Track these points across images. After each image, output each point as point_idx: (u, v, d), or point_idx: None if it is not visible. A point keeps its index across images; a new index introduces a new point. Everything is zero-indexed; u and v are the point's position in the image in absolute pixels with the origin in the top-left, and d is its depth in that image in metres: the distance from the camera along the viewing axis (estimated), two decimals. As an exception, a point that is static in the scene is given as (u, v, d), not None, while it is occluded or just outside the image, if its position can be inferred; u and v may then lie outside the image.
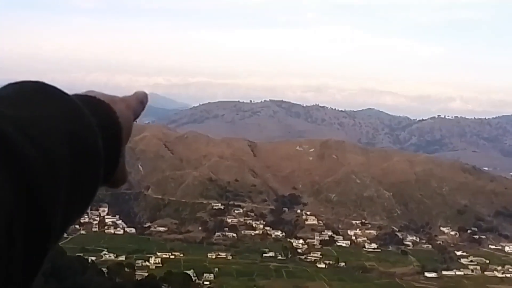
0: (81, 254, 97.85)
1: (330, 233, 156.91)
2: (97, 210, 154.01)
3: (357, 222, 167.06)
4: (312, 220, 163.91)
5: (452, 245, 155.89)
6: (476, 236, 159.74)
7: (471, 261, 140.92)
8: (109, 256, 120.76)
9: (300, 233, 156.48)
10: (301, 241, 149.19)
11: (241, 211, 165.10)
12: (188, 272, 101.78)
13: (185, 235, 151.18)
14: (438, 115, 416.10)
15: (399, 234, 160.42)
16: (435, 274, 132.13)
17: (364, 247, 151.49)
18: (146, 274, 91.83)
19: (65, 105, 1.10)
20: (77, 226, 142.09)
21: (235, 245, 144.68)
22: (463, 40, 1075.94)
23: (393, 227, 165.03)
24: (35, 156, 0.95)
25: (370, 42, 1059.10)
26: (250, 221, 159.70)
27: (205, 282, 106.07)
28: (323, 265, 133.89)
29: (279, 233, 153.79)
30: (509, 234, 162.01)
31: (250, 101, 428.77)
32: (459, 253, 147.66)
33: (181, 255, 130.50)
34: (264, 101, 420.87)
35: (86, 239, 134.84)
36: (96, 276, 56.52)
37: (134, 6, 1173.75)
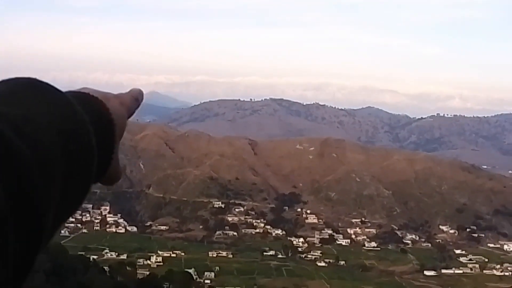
0: (83, 253, 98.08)
1: (330, 231, 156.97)
2: (99, 208, 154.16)
3: (357, 220, 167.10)
4: (312, 219, 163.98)
5: (451, 243, 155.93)
6: (475, 235, 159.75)
7: (470, 259, 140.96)
8: (111, 255, 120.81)
9: (300, 231, 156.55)
10: (301, 239, 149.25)
11: (242, 209, 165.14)
12: (189, 270, 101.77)
13: (186, 234, 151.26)
14: (438, 114, 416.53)
15: (398, 232, 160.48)
16: (434, 272, 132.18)
17: (364, 245, 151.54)
18: (148, 272, 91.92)
19: (58, 102, 1.09)
20: (79, 225, 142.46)
21: (235, 243, 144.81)
22: (462, 39, 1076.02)
23: (392, 225, 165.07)
24: (28, 154, 0.94)
25: (370, 41, 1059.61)
26: (251, 220, 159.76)
27: (206, 281, 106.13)
28: (323, 264, 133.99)
29: (279, 231, 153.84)
30: (508, 232, 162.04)
31: (251, 99, 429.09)
32: (458, 251, 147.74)
33: (182, 253, 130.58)
34: (265, 99, 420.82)
35: (88, 237, 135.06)
36: (98, 274, 56.56)
37: (135, 6, 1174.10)
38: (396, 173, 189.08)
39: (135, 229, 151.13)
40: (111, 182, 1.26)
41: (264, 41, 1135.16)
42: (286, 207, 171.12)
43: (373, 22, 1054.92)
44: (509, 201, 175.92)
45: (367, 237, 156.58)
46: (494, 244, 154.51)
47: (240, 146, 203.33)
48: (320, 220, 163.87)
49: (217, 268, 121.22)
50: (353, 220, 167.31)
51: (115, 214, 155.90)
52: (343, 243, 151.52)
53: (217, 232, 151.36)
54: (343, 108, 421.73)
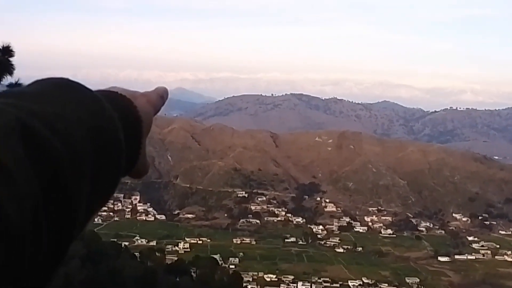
0: (115, 240, 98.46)
1: (348, 219, 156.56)
2: (130, 198, 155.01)
3: (374, 209, 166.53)
4: (331, 207, 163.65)
5: (464, 230, 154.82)
6: (487, 222, 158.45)
7: (482, 246, 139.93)
8: (141, 242, 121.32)
9: (320, 219, 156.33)
10: (320, 227, 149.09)
11: (264, 198, 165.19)
12: (215, 256, 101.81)
13: (212, 222, 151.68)
14: (451, 107, 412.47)
15: (413, 220, 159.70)
16: (448, 258, 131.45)
17: (380, 232, 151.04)
18: (176, 258, 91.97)
19: (88, 100, 1.11)
20: (111, 213, 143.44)
21: (258, 231, 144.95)
22: (474, 35, 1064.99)
23: (407, 213, 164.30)
24: (60, 149, 0.96)
25: (385, 38, 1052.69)
26: (273, 208, 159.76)
27: (231, 266, 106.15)
28: (341, 250, 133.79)
29: (300, 219, 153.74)
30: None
31: (272, 94, 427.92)
32: (470, 238, 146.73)
33: (208, 240, 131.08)
34: (285, 94, 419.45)
35: (120, 225, 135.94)
36: (129, 260, 56.69)
37: (163, 6, 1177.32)
38: (411, 163, 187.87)
39: (163, 217, 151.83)
40: (139, 175, 1.28)
41: (284, 39, 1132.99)
42: (306, 196, 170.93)
43: (388, 19, 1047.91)
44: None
45: (383, 225, 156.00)
46: (505, 231, 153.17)
47: (262, 139, 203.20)
48: (339, 209, 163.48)
49: (241, 254, 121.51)
50: (370, 209, 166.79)
51: (145, 203, 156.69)
52: (361, 230, 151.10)
53: (241, 220, 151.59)
54: (360, 102, 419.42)
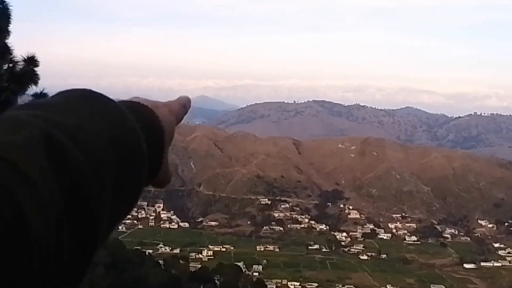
0: (139, 247, 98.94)
1: (371, 226, 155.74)
2: (153, 206, 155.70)
3: (398, 215, 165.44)
4: (354, 214, 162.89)
5: (489, 237, 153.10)
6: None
7: (509, 252, 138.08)
8: (165, 249, 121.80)
9: (343, 226, 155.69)
10: (344, 234, 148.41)
11: (287, 206, 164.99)
12: (238, 263, 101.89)
13: (235, 229, 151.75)
14: (475, 112, 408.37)
15: (438, 227, 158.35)
16: (474, 265, 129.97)
17: (405, 239, 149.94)
18: (199, 265, 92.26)
19: (111, 110, 1.11)
20: (135, 221, 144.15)
21: (282, 238, 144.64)
22: (497, 39, 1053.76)
23: (432, 220, 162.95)
24: (82, 160, 0.97)
25: (407, 44, 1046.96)
26: (296, 216, 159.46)
27: (254, 273, 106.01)
28: (365, 257, 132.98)
29: (323, 226, 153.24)
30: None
31: (294, 101, 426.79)
32: (496, 245, 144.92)
33: (232, 248, 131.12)
34: (307, 101, 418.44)
35: (144, 233, 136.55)
36: (153, 267, 57.00)
37: (184, 15, 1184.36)
38: (435, 170, 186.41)
39: (187, 225, 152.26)
40: (161, 185, 1.28)
41: (305, 46, 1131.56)
42: (329, 203, 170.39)
43: (410, 24, 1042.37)
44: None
45: (408, 231, 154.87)
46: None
47: (284, 146, 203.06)
48: (362, 216, 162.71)
49: (265, 261, 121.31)
50: (394, 215, 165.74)
51: (168, 211, 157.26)
52: (385, 237, 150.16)
53: (264, 227, 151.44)
54: (382, 108, 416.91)
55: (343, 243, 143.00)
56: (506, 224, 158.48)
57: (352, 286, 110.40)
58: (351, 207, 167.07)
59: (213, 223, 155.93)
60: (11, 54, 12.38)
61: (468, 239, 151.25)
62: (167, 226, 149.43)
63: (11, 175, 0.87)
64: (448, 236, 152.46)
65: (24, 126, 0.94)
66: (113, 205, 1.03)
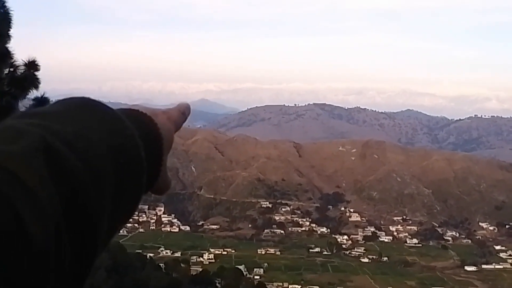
0: (140, 251, 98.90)
1: (372, 229, 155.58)
2: (154, 209, 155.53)
3: (399, 218, 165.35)
4: (355, 217, 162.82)
5: (491, 239, 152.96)
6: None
7: (510, 255, 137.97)
8: (166, 253, 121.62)
9: (344, 229, 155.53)
10: (345, 237, 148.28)
11: (288, 209, 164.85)
12: (240, 267, 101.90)
13: (236, 232, 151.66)
14: (475, 115, 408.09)
15: (439, 229, 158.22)
16: (475, 268, 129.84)
17: (406, 242, 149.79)
18: (201, 269, 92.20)
19: (109, 118, 1.12)
20: (136, 225, 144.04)
21: (283, 241, 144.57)
22: (498, 42, 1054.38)
23: (433, 223, 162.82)
24: (81, 168, 0.97)
25: (408, 46, 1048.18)
26: (297, 219, 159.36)
27: (256, 277, 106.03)
28: (366, 260, 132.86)
29: (324, 229, 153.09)
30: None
31: (295, 104, 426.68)
32: (498, 247, 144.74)
33: (233, 251, 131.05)
34: (308, 104, 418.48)
35: (145, 236, 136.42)
36: (154, 271, 56.99)
37: (186, 19, 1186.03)
38: (436, 172, 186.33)
39: (188, 228, 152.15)
40: (160, 192, 1.29)
41: (306, 49, 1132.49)
42: (330, 206, 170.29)
43: (411, 27, 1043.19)
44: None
45: (409, 234, 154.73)
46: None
47: (285, 149, 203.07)
48: (363, 218, 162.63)
49: (266, 264, 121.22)
50: (395, 218, 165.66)
51: (169, 215, 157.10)
52: (386, 240, 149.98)
53: (265, 231, 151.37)
54: (383, 111, 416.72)
55: (344, 246, 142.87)
56: (507, 226, 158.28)
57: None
58: (352, 210, 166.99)
59: (214, 227, 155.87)
60: (12, 58, 12.38)
61: (469, 241, 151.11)
62: (168, 229, 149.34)
63: (10, 184, 0.87)
64: (449, 238, 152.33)
65: (23, 135, 0.95)
66: (113, 213, 1.04)
